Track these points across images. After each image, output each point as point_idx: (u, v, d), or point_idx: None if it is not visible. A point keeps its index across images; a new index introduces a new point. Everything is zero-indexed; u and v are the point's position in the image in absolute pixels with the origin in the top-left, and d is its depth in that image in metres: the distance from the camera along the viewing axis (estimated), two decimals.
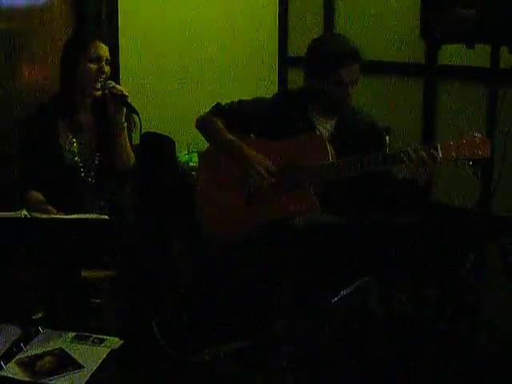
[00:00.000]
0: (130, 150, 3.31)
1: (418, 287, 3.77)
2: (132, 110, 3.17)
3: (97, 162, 3.29)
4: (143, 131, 3.44)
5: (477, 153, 2.87)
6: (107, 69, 3.21)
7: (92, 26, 4.06)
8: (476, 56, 3.54)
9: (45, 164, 3.20)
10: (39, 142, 3.21)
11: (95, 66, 3.17)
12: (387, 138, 3.36)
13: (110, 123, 3.25)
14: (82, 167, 3.26)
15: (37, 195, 3.14)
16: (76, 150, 3.26)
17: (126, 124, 3.25)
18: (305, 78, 3.24)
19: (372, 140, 3.18)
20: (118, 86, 3.22)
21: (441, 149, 2.90)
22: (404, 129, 4.05)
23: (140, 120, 3.13)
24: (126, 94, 3.19)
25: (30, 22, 3.94)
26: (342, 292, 2.65)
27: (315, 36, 3.34)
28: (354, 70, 3.09)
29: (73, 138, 3.26)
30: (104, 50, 3.20)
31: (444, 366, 3.23)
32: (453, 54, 3.80)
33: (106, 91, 3.19)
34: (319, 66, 3.15)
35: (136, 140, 3.46)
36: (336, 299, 2.59)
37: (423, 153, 2.90)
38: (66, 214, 2.88)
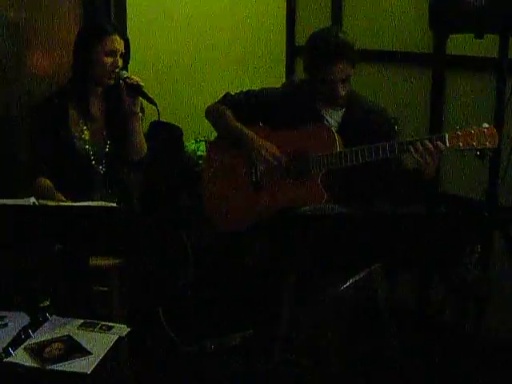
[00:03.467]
0: (143, 139, 3.33)
1: (424, 277, 3.77)
2: (150, 100, 3.18)
3: (107, 151, 3.30)
4: (151, 120, 3.46)
5: (484, 143, 2.87)
6: (120, 62, 3.23)
7: (108, 19, 4.04)
8: (485, 46, 3.52)
9: (55, 151, 3.22)
10: (50, 130, 3.22)
11: (110, 60, 3.19)
12: (395, 128, 3.35)
13: (124, 113, 3.26)
14: (92, 155, 3.28)
15: (46, 182, 3.15)
16: (87, 138, 3.28)
17: (141, 114, 3.27)
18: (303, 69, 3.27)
19: (381, 130, 3.18)
20: (132, 76, 3.23)
21: (448, 138, 2.90)
22: (412, 119, 4.04)
23: (158, 110, 3.13)
24: (142, 84, 3.20)
25: (39, 11, 3.93)
26: (349, 281, 2.65)
27: (323, 26, 3.34)
28: (340, 68, 3.07)
29: (84, 126, 3.28)
30: (120, 44, 3.22)
31: (449, 357, 3.24)
32: (461, 44, 3.78)
33: (121, 82, 3.21)
34: (309, 61, 3.16)
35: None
36: (344, 287, 2.60)
37: (430, 142, 2.90)
38: (74, 202, 2.89)
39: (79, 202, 2.82)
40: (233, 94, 3.44)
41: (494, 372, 3.21)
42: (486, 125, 2.88)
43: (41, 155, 3.22)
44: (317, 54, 3.10)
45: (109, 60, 3.19)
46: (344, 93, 3.13)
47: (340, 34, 3.16)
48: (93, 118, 3.29)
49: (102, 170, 3.30)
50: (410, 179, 3.06)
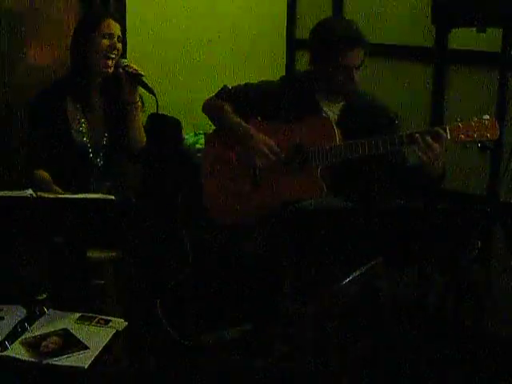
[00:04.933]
0: (142, 130, 3.33)
1: (424, 272, 3.76)
2: (149, 90, 3.17)
3: (105, 143, 3.29)
4: (150, 112, 3.44)
5: (485, 135, 2.87)
6: (119, 45, 3.22)
7: (103, 6, 4.05)
8: (487, 40, 3.50)
9: (53, 144, 3.21)
10: (48, 121, 3.22)
11: (107, 42, 3.18)
12: (396, 122, 3.32)
13: (122, 103, 3.26)
14: (90, 148, 3.27)
15: (44, 174, 3.15)
16: (85, 131, 3.27)
17: (140, 103, 3.27)
18: (309, 61, 3.23)
19: (381, 123, 3.17)
20: (132, 64, 3.22)
21: (449, 130, 2.89)
22: (413, 114, 4.02)
23: (157, 100, 3.12)
24: (142, 73, 3.19)
25: (37, 3, 3.92)
26: (350, 276, 2.64)
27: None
28: (357, 54, 3.07)
29: (82, 118, 3.27)
30: (116, 28, 3.23)
31: (449, 352, 3.23)
32: (463, 38, 3.77)
33: (121, 70, 3.20)
34: (322, 49, 3.13)
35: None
36: (344, 282, 2.59)
37: (431, 134, 2.89)
38: (72, 195, 2.88)
39: (77, 194, 2.80)
40: (230, 87, 3.42)
41: (494, 367, 3.20)
42: (486, 116, 2.87)
43: (39, 147, 3.21)
44: (334, 40, 3.06)
45: (105, 42, 3.19)
46: (358, 79, 3.11)
47: (352, 21, 3.18)
48: (91, 110, 3.29)
49: (99, 162, 3.30)
50: (414, 175, 3.04)
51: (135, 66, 3.22)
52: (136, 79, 3.19)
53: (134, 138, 3.30)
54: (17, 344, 2.46)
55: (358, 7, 4.40)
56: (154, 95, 3.14)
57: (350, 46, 3.04)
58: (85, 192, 2.96)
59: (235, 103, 3.36)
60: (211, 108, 3.43)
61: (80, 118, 3.27)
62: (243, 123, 3.29)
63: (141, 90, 3.26)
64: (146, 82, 3.20)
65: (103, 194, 3.05)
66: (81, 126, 3.27)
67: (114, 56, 3.19)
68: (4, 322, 2.60)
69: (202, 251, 3.57)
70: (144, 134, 3.35)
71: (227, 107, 3.36)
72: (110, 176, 3.33)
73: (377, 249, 2.74)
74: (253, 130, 3.26)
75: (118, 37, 3.22)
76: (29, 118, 3.33)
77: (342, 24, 3.15)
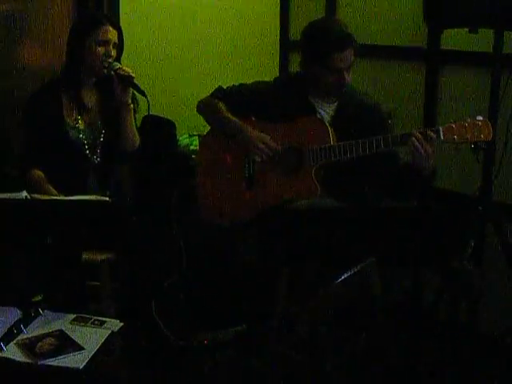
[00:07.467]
0: (135, 131, 3.33)
1: (417, 272, 3.77)
2: (140, 91, 3.18)
3: (102, 140, 3.30)
4: (144, 114, 3.45)
5: (478, 136, 2.88)
6: (114, 52, 3.24)
7: (96, 7, 4.05)
8: (479, 41, 3.51)
9: (49, 141, 3.21)
10: (44, 119, 3.23)
11: (103, 49, 3.20)
12: (389, 121, 3.33)
13: (116, 104, 3.26)
14: (86, 145, 3.28)
15: (38, 174, 3.15)
16: (81, 128, 3.28)
17: (132, 105, 3.27)
18: (300, 62, 3.24)
19: (374, 123, 3.18)
20: (124, 67, 3.23)
21: (443, 131, 2.90)
22: (406, 114, 4.03)
23: (148, 101, 3.13)
24: (133, 75, 3.20)
25: (31, 4, 3.93)
26: (343, 275, 2.65)
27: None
28: (347, 55, 3.07)
29: (78, 115, 3.28)
30: (113, 34, 3.23)
31: (443, 352, 3.24)
32: (455, 38, 3.78)
33: (112, 73, 3.21)
34: (313, 51, 3.14)
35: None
36: (337, 282, 2.60)
37: (424, 134, 2.90)
38: (66, 195, 2.88)
39: (72, 193, 2.81)
40: (225, 87, 3.43)
41: (488, 366, 3.21)
42: (479, 117, 2.89)
43: (34, 145, 3.22)
44: (325, 42, 3.06)
45: (101, 49, 3.20)
46: (349, 80, 3.12)
47: (341, 22, 3.18)
48: (87, 108, 3.30)
49: (96, 159, 3.31)
50: (406, 174, 3.05)
51: (127, 69, 3.22)
52: (127, 81, 3.20)
53: (126, 139, 3.31)
54: (12, 345, 2.46)
55: (351, 8, 4.40)
56: (145, 97, 3.15)
57: (339, 48, 3.04)
58: (81, 190, 2.97)
59: (229, 103, 3.37)
60: (206, 107, 3.44)
61: (76, 115, 3.28)
62: (239, 122, 3.29)
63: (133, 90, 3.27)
64: (137, 83, 3.21)
65: (99, 192, 3.07)
66: (77, 123, 3.28)
67: (107, 65, 3.21)
68: None
69: (197, 252, 3.58)
70: (137, 136, 3.35)
71: (222, 106, 3.36)
72: (107, 174, 3.34)
73: (370, 249, 2.75)
74: (248, 126, 3.26)
75: (114, 43, 3.23)
76: (23, 117, 3.34)
77: (330, 26, 3.13)
